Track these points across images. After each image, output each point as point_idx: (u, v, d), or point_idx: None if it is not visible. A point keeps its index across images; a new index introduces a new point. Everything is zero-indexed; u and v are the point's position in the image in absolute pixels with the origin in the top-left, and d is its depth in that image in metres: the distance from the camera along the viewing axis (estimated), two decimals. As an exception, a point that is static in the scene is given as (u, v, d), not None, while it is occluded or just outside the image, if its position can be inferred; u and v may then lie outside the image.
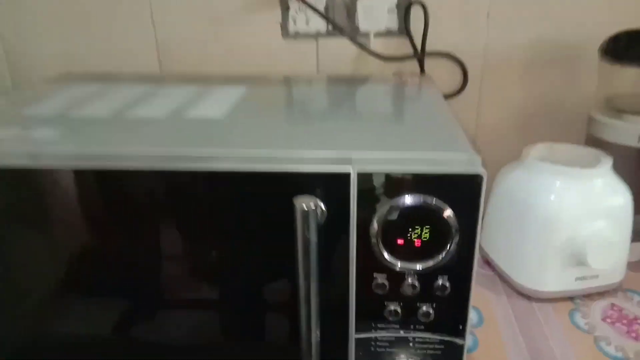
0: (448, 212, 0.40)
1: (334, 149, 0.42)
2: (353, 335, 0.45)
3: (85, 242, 0.44)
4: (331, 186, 0.40)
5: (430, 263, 0.42)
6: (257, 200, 0.41)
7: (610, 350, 0.62)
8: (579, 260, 0.67)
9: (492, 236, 0.78)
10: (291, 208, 0.38)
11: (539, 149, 0.75)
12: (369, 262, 0.42)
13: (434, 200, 0.40)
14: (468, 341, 0.64)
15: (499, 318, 0.69)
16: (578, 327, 0.67)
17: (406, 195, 0.40)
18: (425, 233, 0.41)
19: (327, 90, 0.68)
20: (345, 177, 0.40)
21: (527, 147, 0.75)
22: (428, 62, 0.81)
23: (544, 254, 0.69)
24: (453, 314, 0.44)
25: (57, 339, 0.49)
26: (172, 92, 0.63)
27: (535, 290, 0.71)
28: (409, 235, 0.41)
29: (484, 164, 0.40)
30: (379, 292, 0.43)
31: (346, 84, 0.70)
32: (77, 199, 0.42)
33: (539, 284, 0.71)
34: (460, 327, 0.44)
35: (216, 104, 0.57)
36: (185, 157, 0.41)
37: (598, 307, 0.70)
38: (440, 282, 0.43)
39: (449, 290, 0.43)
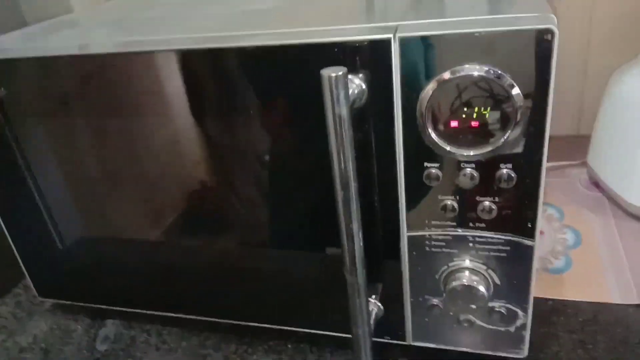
0: (510, 82, 0.33)
1: (377, 21, 0.37)
2: (405, 233, 0.41)
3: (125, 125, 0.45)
4: (370, 59, 0.35)
5: (489, 148, 0.36)
6: (290, 80, 0.38)
7: None
8: None
9: (601, 152, 0.67)
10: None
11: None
12: (418, 149, 0.37)
13: (492, 70, 0.33)
14: (560, 261, 0.57)
15: (601, 240, 0.60)
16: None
17: (458, 66, 0.34)
18: (484, 111, 0.35)
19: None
20: (386, 45, 0.34)
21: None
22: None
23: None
24: (520, 210, 0.37)
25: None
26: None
27: (649, 210, 0.60)
28: (464, 115, 0.35)
29: (558, 24, 0.32)
30: (432, 184, 0.38)
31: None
32: (122, 83, 0.43)
33: (655, 202, 0.60)
34: (529, 225, 0.38)
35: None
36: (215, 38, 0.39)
37: None
38: (503, 171, 0.36)
39: (514, 181, 0.36)
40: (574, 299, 0.52)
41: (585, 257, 0.57)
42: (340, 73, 0.32)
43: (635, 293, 0.51)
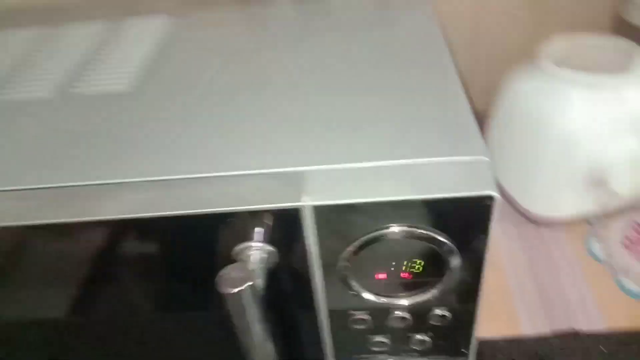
0: (442, 240, 0.29)
1: (281, 159, 0.29)
2: (333, 365, 0.37)
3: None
4: (280, 222, 0.28)
5: (423, 297, 0.31)
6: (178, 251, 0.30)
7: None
8: (602, 185, 0.56)
9: (497, 153, 0.66)
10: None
11: (556, 46, 0.59)
12: (343, 301, 0.32)
13: (421, 230, 0.28)
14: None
15: (503, 251, 0.60)
16: (594, 256, 0.59)
17: (383, 229, 0.28)
18: (414, 265, 0.30)
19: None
20: (295, 213, 0.27)
21: (542, 44, 0.59)
22: None
23: (560, 179, 0.58)
24: (454, 340, 0.35)
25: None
26: (73, 38, 0.47)
27: (547, 217, 0.61)
28: (392, 269, 0.30)
29: (496, 179, 0.27)
30: (359, 327, 0.34)
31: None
32: None
33: (552, 210, 0.61)
34: (463, 350, 0.35)
35: (127, 56, 0.42)
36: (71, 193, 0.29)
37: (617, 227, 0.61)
38: (437, 312, 0.33)
39: (448, 320, 0.33)
40: (490, 337, 0.51)
41: (492, 281, 0.58)
42: (243, 287, 0.25)
43: (543, 320, 0.52)
